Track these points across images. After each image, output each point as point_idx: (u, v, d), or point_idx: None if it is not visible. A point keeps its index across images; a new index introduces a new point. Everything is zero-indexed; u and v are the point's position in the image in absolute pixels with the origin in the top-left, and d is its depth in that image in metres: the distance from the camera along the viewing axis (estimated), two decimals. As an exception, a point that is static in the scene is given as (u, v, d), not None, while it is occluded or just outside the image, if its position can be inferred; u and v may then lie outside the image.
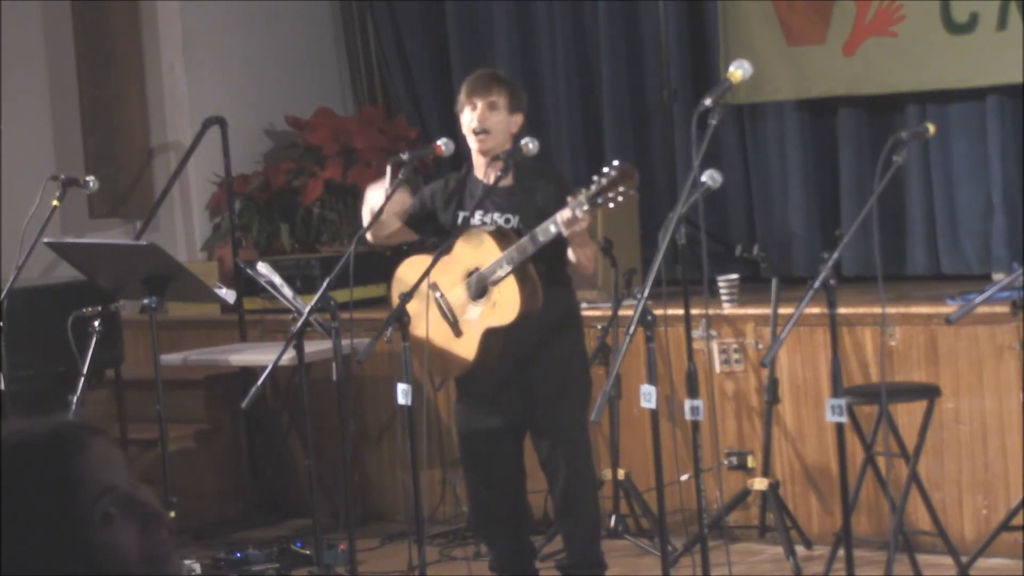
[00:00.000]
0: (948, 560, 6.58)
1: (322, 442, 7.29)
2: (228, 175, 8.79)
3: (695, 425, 5.91)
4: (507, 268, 5.91)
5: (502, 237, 5.99)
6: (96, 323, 6.50)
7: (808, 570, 6.81)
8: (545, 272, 5.99)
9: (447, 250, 5.96)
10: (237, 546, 7.63)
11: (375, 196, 6.23)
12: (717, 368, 7.40)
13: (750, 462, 7.32)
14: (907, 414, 6.79)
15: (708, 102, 5.48)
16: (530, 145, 5.97)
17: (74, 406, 6.36)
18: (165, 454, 6.74)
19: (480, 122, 6.07)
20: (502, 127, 6.10)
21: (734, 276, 7.50)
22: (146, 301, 6.65)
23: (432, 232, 6.32)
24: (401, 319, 5.87)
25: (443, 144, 6.26)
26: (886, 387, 6.39)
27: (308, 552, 7.37)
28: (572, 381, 6.14)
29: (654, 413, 5.53)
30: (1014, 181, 7.72)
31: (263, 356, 7.60)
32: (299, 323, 6.22)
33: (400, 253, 6.82)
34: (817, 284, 5.40)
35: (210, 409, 8.51)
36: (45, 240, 6.89)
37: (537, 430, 6.17)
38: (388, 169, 6.23)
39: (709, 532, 6.56)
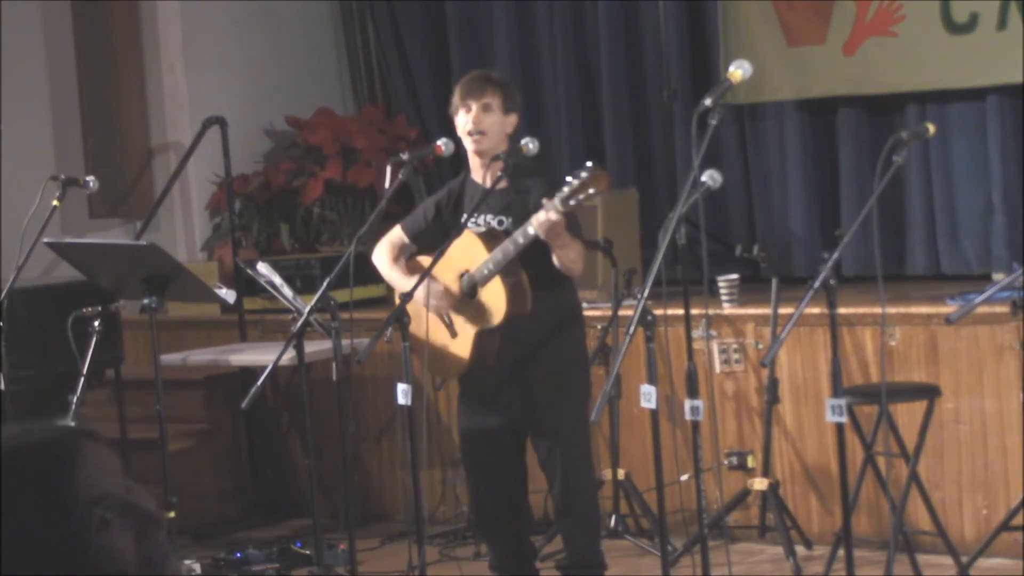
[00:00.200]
0: (948, 560, 6.58)
1: (322, 442, 7.28)
2: (228, 175, 8.79)
3: (695, 425, 5.91)
4: (492, 269, 5.95)
5: (491, 239, 6.01)
6: (96, 323, 6.50)
7: (808, 570, 6.81)
8: (539, 273, 5.99)
9: (444, 252, 5.97)
10: (237, 546, 7.63)
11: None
12: (717, 368, 7.40)
13: (750, 462, 7.32)
14: (907, 414, 6.79)
15: (708, 102, 5.48)
16: (530, 145, 5.99)
17: (74, 406, 6.36)
18: (165, 454, 6.74)
19: (475, 124, 6.09)
20: (497, 128, 6.13)
21: (734, 276, 7.50)
22: (146, 301, 6.65)
23: (443, 238, 6.34)
24: (401, 319, 5.88)
25: (443, 144, 6.28)
26: (886, 387, 6.40)
27: (308, 552, 7.37)
28: (571, 381, 6.14)
29: (654, 413, 5.53)
30: (1014, 181, 7.72)
31: (263, 356, 7.60)
32: (299, 323, 6.23)
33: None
34: (817, 284, 5.40)
35: (210, 409, 8.51)
36: (45, 240, 6.89)
37: (536, 430, 6.17)
38: (388, 169, 6.24)
39: (709, 532, 6.56)
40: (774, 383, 6.93)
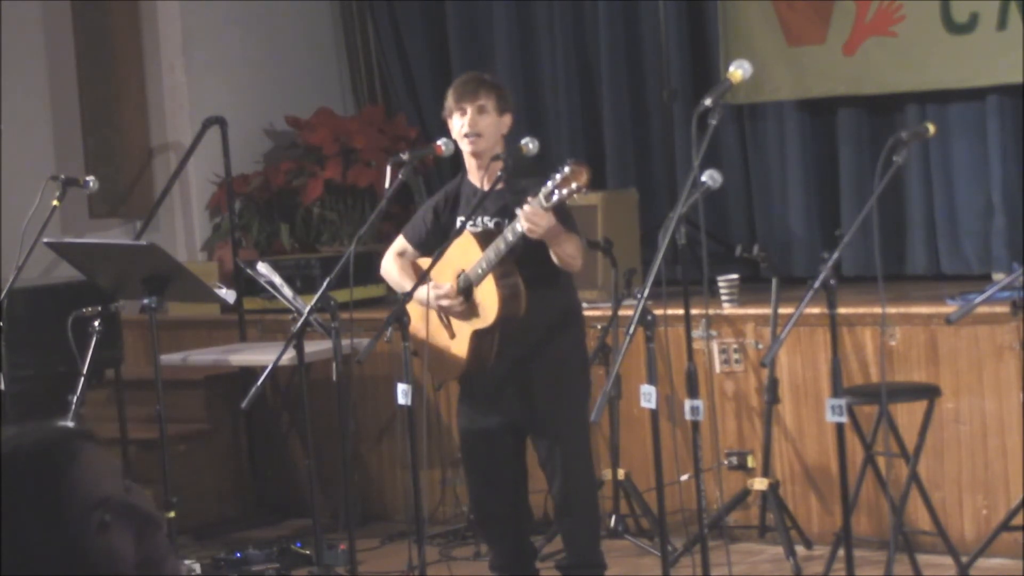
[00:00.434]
0: (948, 560, 6.58)
1: (322, 442, 7.29)
2: (228, 175, 8.79)
3: (695, 425, 5.91)
4: (485, 269, 5.96)
5: (485, 239, 6.02)
6: (96, 323, 6.49)
7: (808, 570, 6.81)
8: (536, 272, 6.00)
9: (443, 253, 5.98)
10: (237, 546, 7.63)
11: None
12: (717, 368, 7.40)
13: (750, 462, 7.32)
14: (907, 414, 6.79)
15: (708, 102, 5.49)
16: (530, 145, 6.00)
17: (74, 406, 6.36)
18: (165, 454, 6.74)
19: (471, 127, 6.11)
20: (493, 129, 6.14)
21: (734, 276, 7.50)
22: (146, 301, 6.65)
23: (444, 241, 6.35)
24: (401, 319, 5.88)
25: (443, 144, 6.28)
26: (886, 387, 6.39)
27: (308, 552, 7.37)
28: (571, 381, 6.14)
29: (654, 413, 5.53)
30: (1014, 181, 7.72)
31: (263, 356, 7.60)
32: (299, 323, 6.23)
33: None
34: (817, 284, 5.40)
35: (210, 409, 8.51)
36: (45, 240, 6.89)
37: (536, 430, 6.17)
38: (388, 169, 6.24)
39: (709, 532, 6.56)
40: (774, 383, 6.93)
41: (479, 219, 6.14)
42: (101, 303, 6.65)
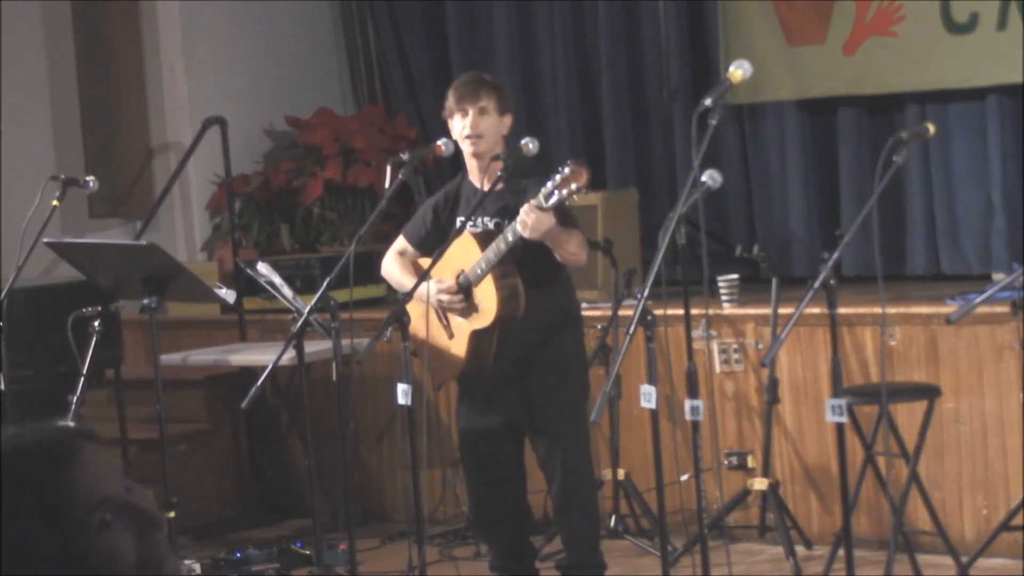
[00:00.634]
0: (948, 560, 6.58)
1: (322, 442, 7.29)
2: (228, 175, 8.79)
3: (695, 425, 5.91)
4: (484, 269, 5.97)
5: (485, 239, 6.03)
6: (96, 323, 6.49)
7: (808, 570, 6.81)
8: (535, 273, 6.01)
9: (442, 253, 5.99)
10: (237, 546, 7.63)
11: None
12: (717, 368, 7.40)
13: (750, 462, 7.32)
14: (907, 414, 6.79)
15: (708, 102, 5.49)
16: (530, 145, 6.00)
17: (74, 406, 6.36)
18: (165, 454, 6.74)
19: (473, 128, 6.11)
20: (494, 130, 6.15)
21: (734, 276, 7.50)
22: (146, 301, 6.65)
23: (444, 241, 6.35)
24: (401, 319, 5.88)
25: (443, 144, 6.28)
26: (886, 387, 6.39)
27: (308, 552, 7.37)
28: (570, 381, 6.14)
29: (654, 413, 5.53)
30: (1014, 181, 7.72)
31: (263, 356, 7.60)
32: (299, 323, 6.23)
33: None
34: (817, 284, 5.40)
35: (210, 409, 8.51)
36: (45, 240, 6.89)
37: (535, 430, 6.17)
38: (388, 169, 6.25)
39: (709, 532, 6.56)
40: (774, 383, 6.93)
41: (479, 219, 6.14)
42: (101, 303, 6.65)
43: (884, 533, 6.72)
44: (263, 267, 6.58)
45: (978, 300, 5.93)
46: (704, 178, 5.66)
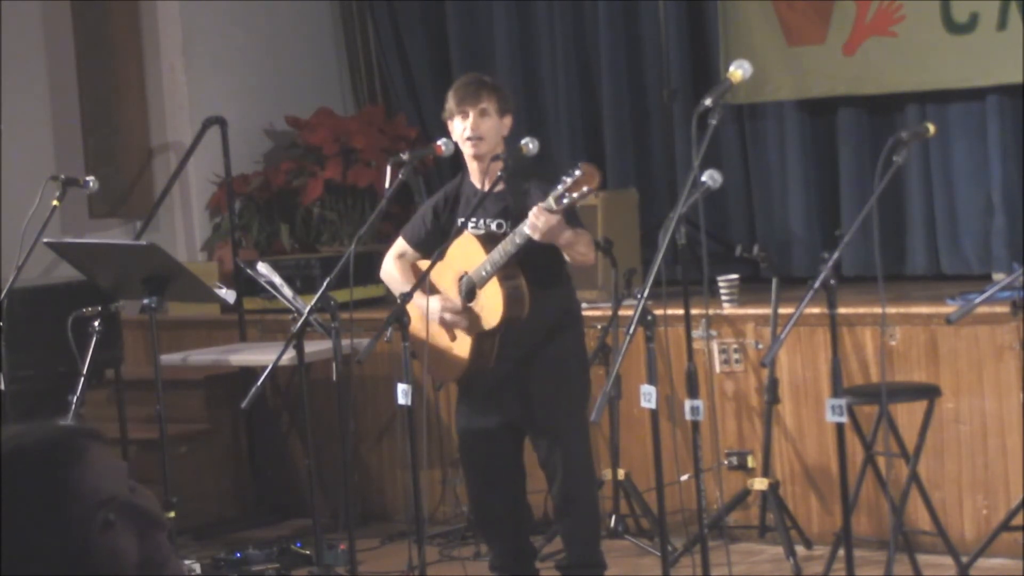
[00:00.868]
0: (948, 560, 6.58)
1: (322, 442, 7.29)
2: (228, 175, 8.79)
3: (695, 425, 5.91)
4: (489, 271, 5.96)
5: (489, 241, 6.03)
6: (96, 323, 6.50)
7: (808, 570, 6.81)
8: (537, 274, 6.01)
9: (442, 253, 5.99)
10: (237, 546, 7.63)
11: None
12: (717, 368, 7.40)
13: (750, 462, 7.32)
14: (907, 414, 6.79)
15: (708, 102, 5.49)
16: (530, 145, 6.00)
17: (74, 406, 6.36)
18: (165, 454, 6.74)
19: (474, 130, 6.12)
20: (494, 132, 6.16)
21: (734, 276, 7.50)
22: (146, 301, 6.65)
23: (444, 242, 6.35)
24: (401, 319, 5.88)
25: (443, 144, 6.28)
26: (886, 387, 6.39)
27: (308, 552, 7.37)
28: (570, 381, 6.14)
29: (654, 413, 5.53)
30: (1014, 181, 7.72)
31: (263, 356, 7.60)
32: (299, 323, 6.23)
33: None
34: (817, 284, 5.40)
35: (210, 409, 8.51)
36: (45, 240, 6.89)
37: (536, 430, 6.18)
38: (388, 169, 6.25)
39: (709, 532, 6.56)
40: (774, 383, 6.93)
41: (480, 221, 6.14)
42: (101, 303, 6.65)
43: (884, 533, 6.72)
44: (263, 267, 6.58)
45: (978, 300, 5.94)
46: (704, 178, 5.66)
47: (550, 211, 5.75)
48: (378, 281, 6.76)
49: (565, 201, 5.73)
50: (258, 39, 9.47)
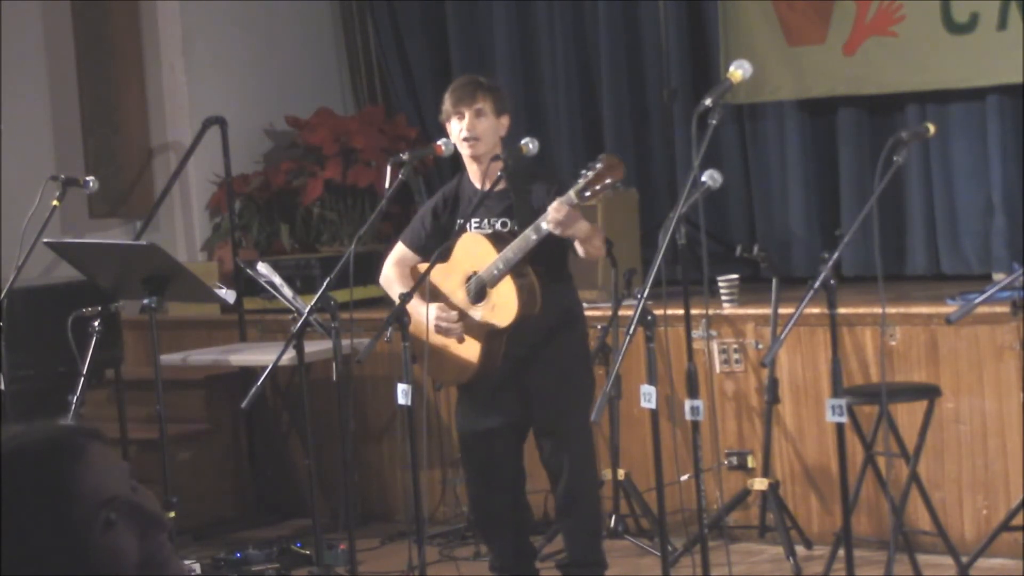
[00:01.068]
0: (948, 560, 6.58)
1: (322, 442, 7.29)
2: (228, 175, 8.79)
3: (695, 425, 5.91)
4: (502, 269, 5.95)
5: (498, 239, 6.02)
6: (96, 323, 6.50)
7: (808, 570, 6.81)
8: (543, 272, 6.01)
9: (443, 254, 5.98)
10: (237, 546, 7.63)
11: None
12: (717, 368, 7.40)
13: (750, 462, 7.32)
14: (907, 414, 6.79)
15: (708, 102, 5.49)
16: (530, 145, 6.00)
17: (74, 406, 6.36)
18: (165, 454, 6.74)
19: (470, 130, 6.12)
20: (491, 132, 6.16)
21: (734, 276, 7.50)
22: (146, 301, 6.65)
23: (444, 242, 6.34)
24: (401, 319, 5.88)
25: (443, 144, 6.28)
26: (886, 387, 6.39)
27: (308, 552, 7.37)
28: (574, 380, 6.14)
29: (654, 413, 5.53)
30: (1014, 181, 7.72)
31: (263, 356, 7.60)
32: (299, 323, 6.23)
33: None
34: (817, 284, 5.41)
35: (210, 409, 8.51)
36: (45, 240, 6.89)
37: (540, 429, 6.17)
38: (388, 169, 6.24)
39: (709, 532, 6.57)
40: (774, 383, 6.93)
41: (484, 221, 6.13)
42: (101, 303, 6.65)
43: (884, 533, 6.72)
44: (263, 267, 6.58)
45: (978, 300, 5.94)
46: (704, 178, 5.66)
47: (571, 205, 5.74)
48: (378, 281, 6.76)
49: (587, 194, 5.73)
50: (258, 39, 9.47)
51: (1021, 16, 7.48)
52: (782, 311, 6.90)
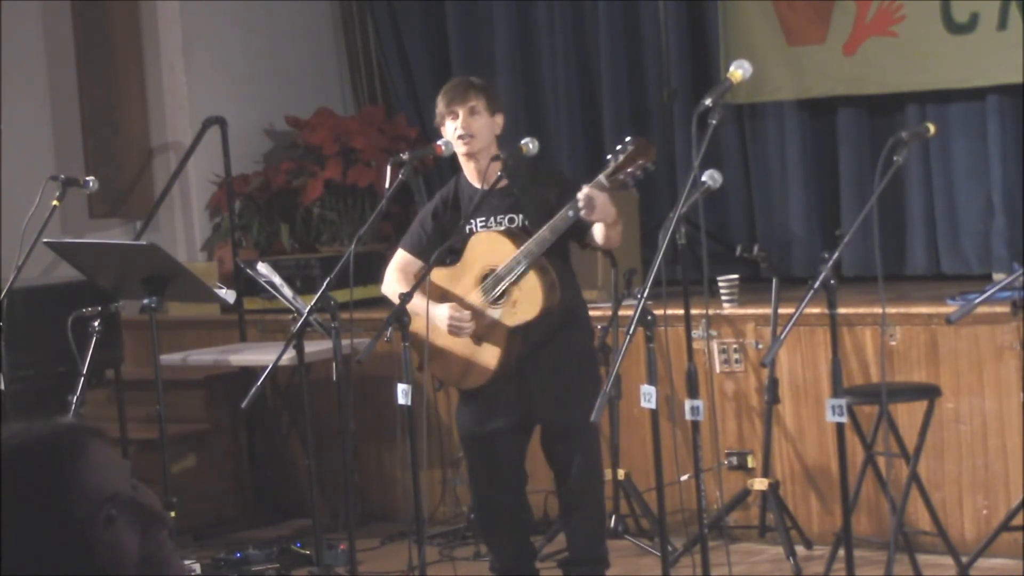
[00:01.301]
0: (948, 560, 6.58)
1: (322, 442, 7.29)
2: (228, 175, 8.80)
3: (695, 425, 5.91)
4: (525, 263, 5.94)
5: (514, 235, 6.01)
6: (96, 323, 6.50)
7: (808, 570, 6.81)
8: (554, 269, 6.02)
9: (444, 254, 5.97)
10: (237, 546, 7.63)
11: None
12: (717, 368, 7.40)
13: (750, 462, 7.32)
14: (907, 414, 6.79)
15: (708, 102, 5.49)
16: (530, 145, 6.01)
17: (74, 406, 6.36)
18: (165, 454, 6.74)
19: (464, 128, 6.12)
20: (486, 130, 6.17)
21: (734, 276, 7.50)
22: (146, 301, 6.65)
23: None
24: (401, 319, 5.88)
25: (443, 144, 6.28)
26: (886, 387, 6.39)
27: (308, 552, 7.37)
28: (582, 377, 6.14)
29: (654, 413, 5.53)
30: (1014, 181, 7.72)
31: (263, 356, 7.60)
32: (299, 323, 6.23)
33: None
34: (817, 284, 5.40)
35: (210, 409, 8.51)
36: (45, 240, 6.89)
37: (548, 428, 6.16)
38: (388, 169, 6.24)
39: (709, 532, 6.56)
40: (774, 383, 6.93)
41: (490, 219, 6.12)
42: (101, 303, 6.66)
43: (884, 533, 6.72)
44: (263, 267, 6.58)
45: (978, 300, 5.94)
46: (704, 178, 5.66)
47: (602, 189, 5.73)
48: (378, 281, 6.75)
49: (620, 177, 5.72)
50: (258, 39, 9.47)
51: (1021, 16, 7.48)
52: (782, 311, 6.90)
